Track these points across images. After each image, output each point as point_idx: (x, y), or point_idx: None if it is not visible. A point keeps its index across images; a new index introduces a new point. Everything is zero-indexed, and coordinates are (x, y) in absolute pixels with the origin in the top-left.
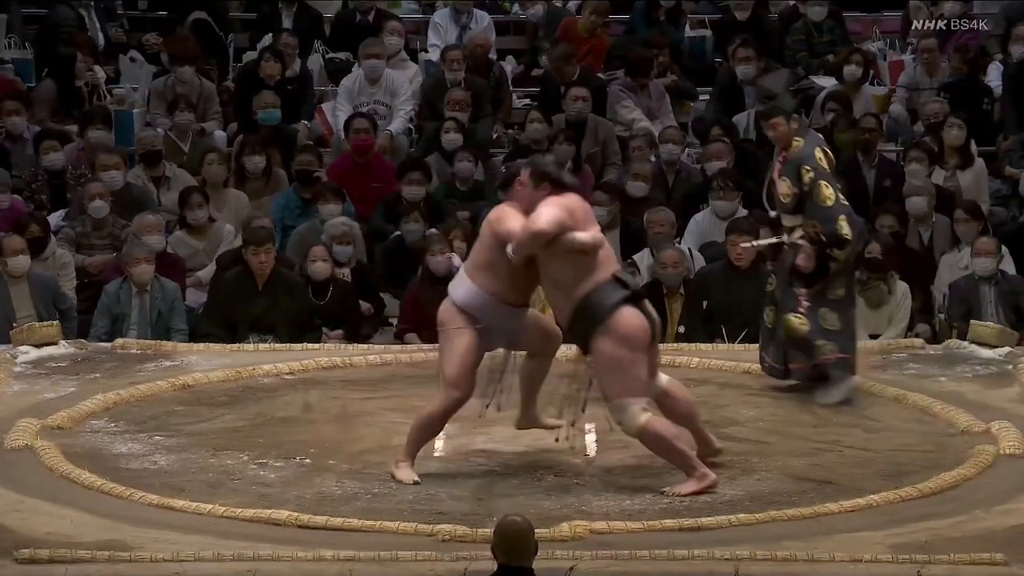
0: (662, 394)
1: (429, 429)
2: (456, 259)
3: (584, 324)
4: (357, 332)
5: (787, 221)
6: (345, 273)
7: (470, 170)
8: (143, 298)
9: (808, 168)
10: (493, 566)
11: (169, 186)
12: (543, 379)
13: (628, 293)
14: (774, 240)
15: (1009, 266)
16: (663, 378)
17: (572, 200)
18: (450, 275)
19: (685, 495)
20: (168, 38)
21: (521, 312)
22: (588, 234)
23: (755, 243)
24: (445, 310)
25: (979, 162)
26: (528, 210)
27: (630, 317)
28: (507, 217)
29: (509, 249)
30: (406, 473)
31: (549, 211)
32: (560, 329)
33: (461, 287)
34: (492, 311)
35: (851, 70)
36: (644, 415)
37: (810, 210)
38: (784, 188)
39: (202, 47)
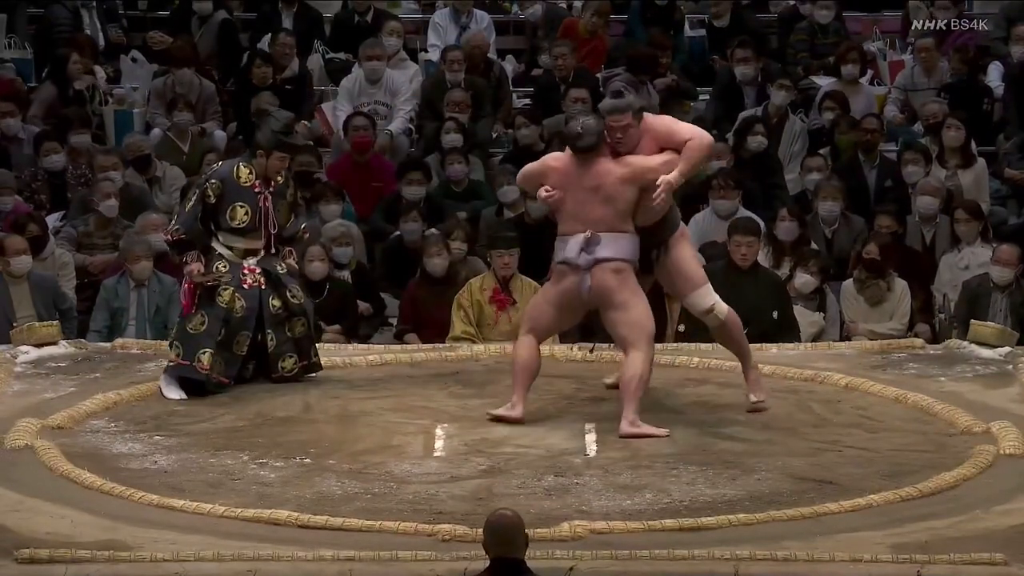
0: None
1: (647, 381)
2: (579, 237)
3: (667, 230)
4: (355, 331)
5: (250, 244)
6: (346, 276)
7: (460, 172)
8: (141, 292)
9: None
10: None
11: (162, 186)
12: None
13: None
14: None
15: None
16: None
17: None
18: (448, 275)
19: (765, 399)
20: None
21: None
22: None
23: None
24: (623, 268)
25: (980, 162)
26: (629, 149)
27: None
28: (639, 159)
29: (674, 175)
30: (655, 428)
31: (690, 126)
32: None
33: (622, 241)
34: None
35: (848, 70)
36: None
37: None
38: (285, 212)
39: (226, 47)
